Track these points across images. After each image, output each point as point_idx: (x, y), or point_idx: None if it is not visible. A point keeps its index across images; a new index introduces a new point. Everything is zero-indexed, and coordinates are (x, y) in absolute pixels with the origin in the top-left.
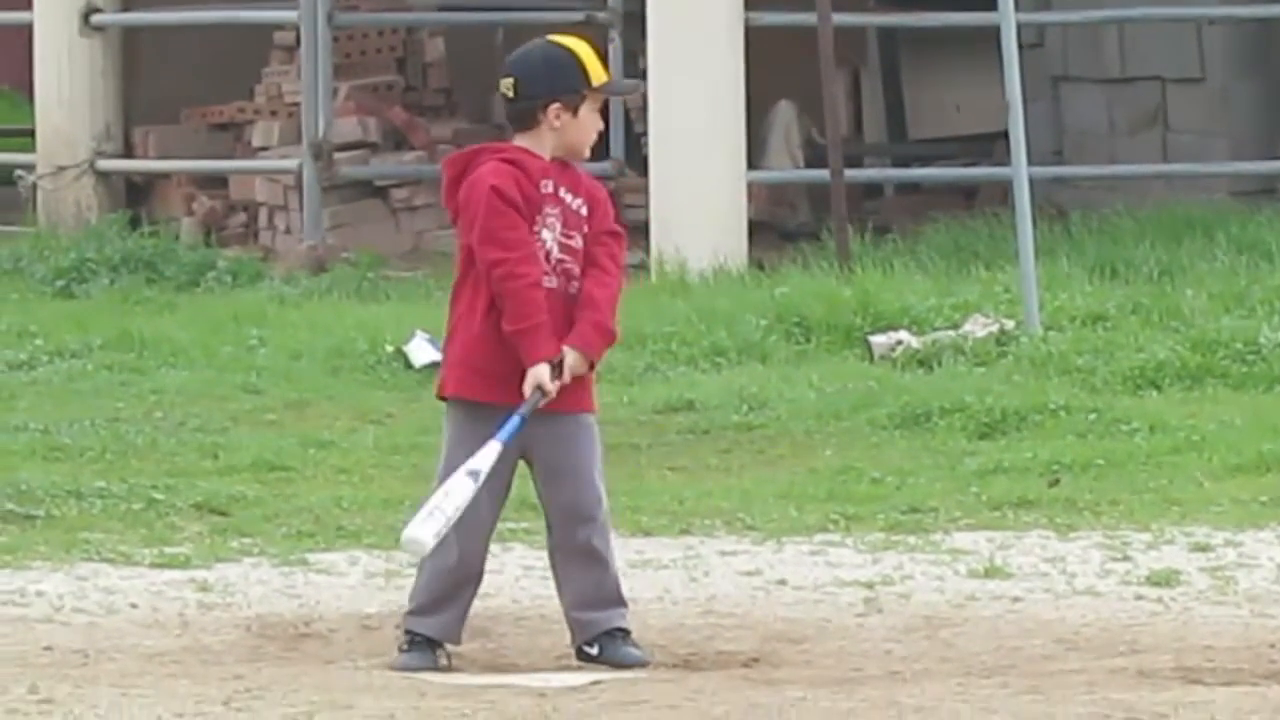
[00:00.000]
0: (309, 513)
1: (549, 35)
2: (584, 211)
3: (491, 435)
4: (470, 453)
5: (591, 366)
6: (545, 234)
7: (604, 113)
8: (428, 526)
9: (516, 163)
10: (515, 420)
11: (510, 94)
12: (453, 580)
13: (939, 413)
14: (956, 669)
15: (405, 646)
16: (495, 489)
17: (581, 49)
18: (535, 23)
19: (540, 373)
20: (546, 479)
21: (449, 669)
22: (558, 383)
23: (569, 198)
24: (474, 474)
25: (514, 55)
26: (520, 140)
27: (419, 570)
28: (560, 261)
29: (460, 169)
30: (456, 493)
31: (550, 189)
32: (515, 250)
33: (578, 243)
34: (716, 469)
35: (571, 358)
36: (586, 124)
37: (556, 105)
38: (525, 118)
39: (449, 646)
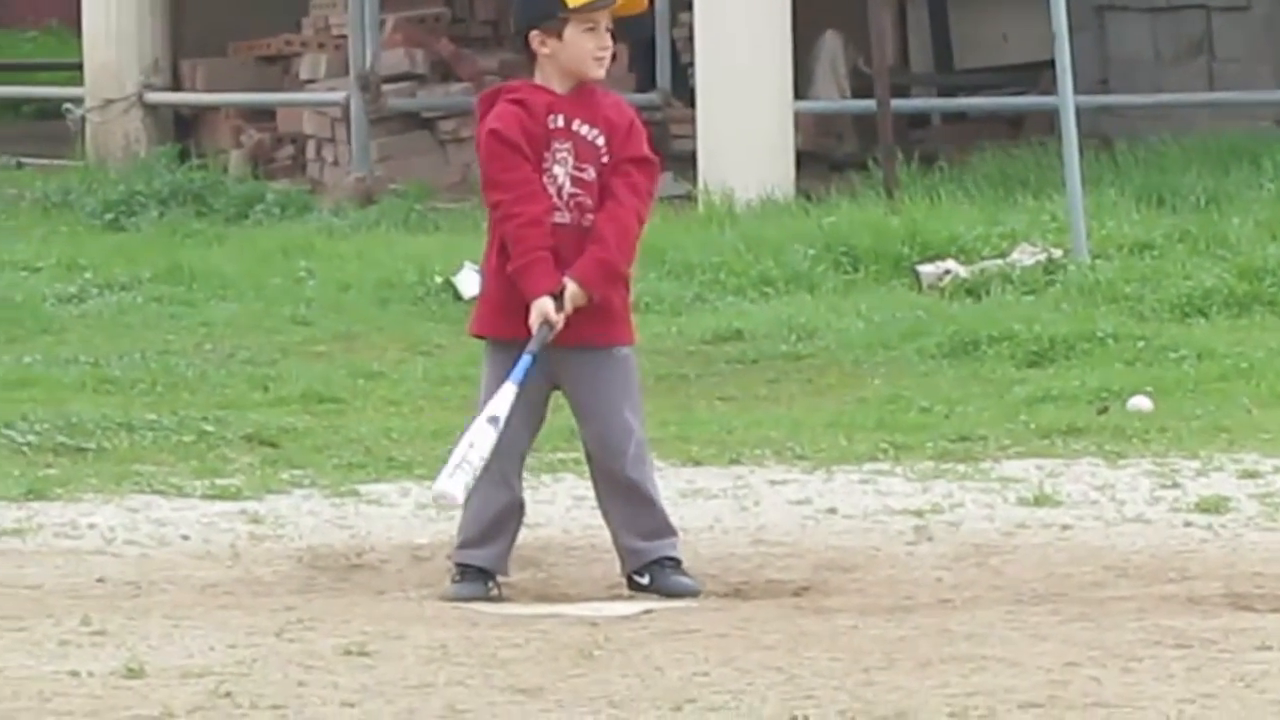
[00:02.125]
0: (359, 444)
1: None
2: (600, 142)
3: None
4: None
5: (595, 299)
6: (557, 169)
7: (618, 34)
8: (457, 479)
9: (522, 101)
10: (526, 359)
11: (513, 28)
12: (495, 511)
13: (987, 341)
14: (1006, 596)
15: (457, 577)
16: (527, 418)
17: None
18: None
19: (543, 305)
20: (576, 413)
21: (500, 599)
22: (562, 315)
23: (584, 129)
24: (494, 420)
25: None
26: (534, 76)
27: (465, 503)
28: (573, 195)
29: (485, 109)
30: (480, 442)
31: (560, 123)
32: (512, 190)
33: (590, 175)
34: (765, 399)
35: (571, 288)
36: (574, 45)
37: (537, 34)
38: (525, 52)
39: (499, 577)
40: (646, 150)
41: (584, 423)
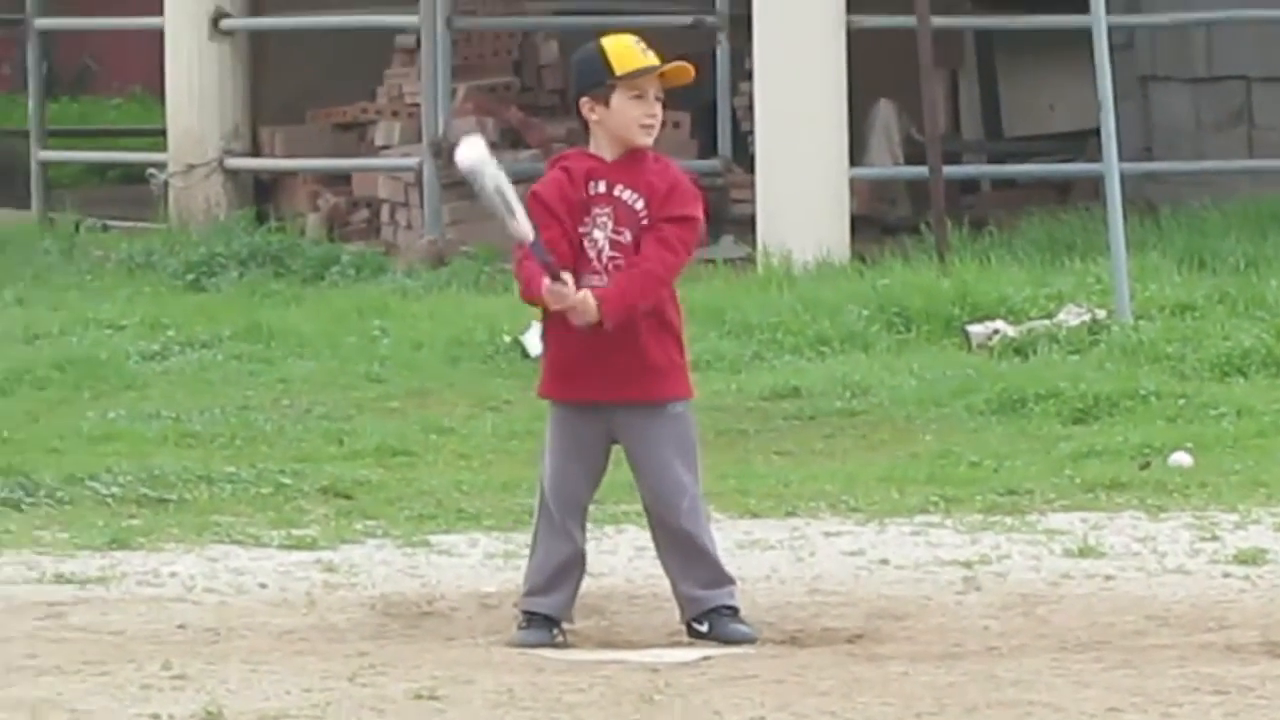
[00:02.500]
0: (430, 496)
1: (600, 37)
2: (639, 205)
3: (576, 431)
4: (559, 450)
5: (596, 319)
6: (596, 233)
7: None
8: (485, 163)
9: (568, 169)
10: (541, 252)
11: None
12: (559, 562)
13: (1034, 399)
14: (1052, 644)
15: (523, 624)
16: (588, 471)
17: (612, 42)
18: (644, 26)
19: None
20: (633, 467)
21: (564, 645)
22: (566, 292)
23: (625, 194)
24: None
25: None
26: (589, 143)
27: (530, 554)
28: (611, 259)
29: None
30: (507, 201)
31: (601, 189)
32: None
33: (627, 238)
34: (821, 453)
35: (585, 293)
36: (621, 113)
37: (587, 100)
38: (579, 119)
39: (564, 624)
40: (686, 209)
41: (640, 477)
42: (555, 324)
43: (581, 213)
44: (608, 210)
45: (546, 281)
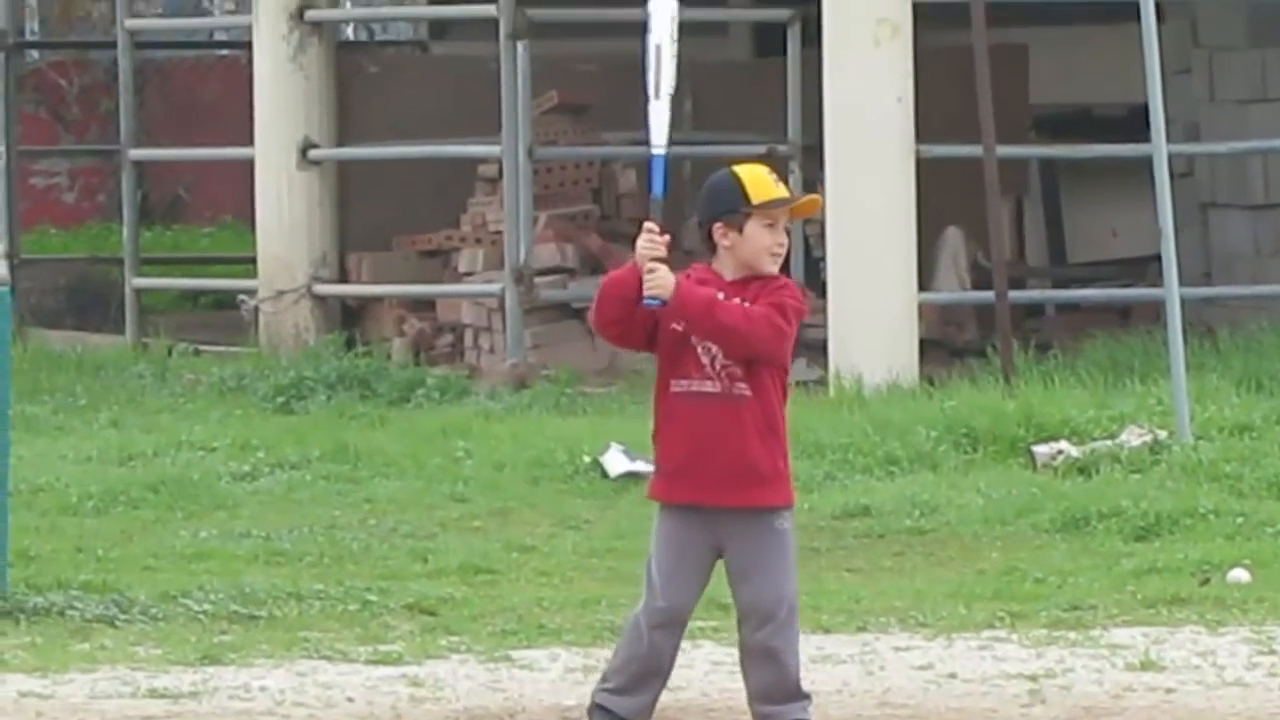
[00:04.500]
0: (512, 612)
1: (732, 165)
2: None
3: (681, 536)
4: (664, 553)
5: (675, 306)
6: (700, 349)
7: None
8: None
9: (700, 281)
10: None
11: (697, 224)
12: (645, 668)
13: (1097, 517)
14: None
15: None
16: (693, 582)
17: (748, 172)
18: (720, 155)
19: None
20: (733, 574)
21: None
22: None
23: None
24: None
25: None
26: (712, 264)
27: (616, 651)
28: (725, 366)
29: None
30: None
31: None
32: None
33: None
34: (890, 570)
35: (663, 271)
36: (754, 240)
37: (720, 225)
38: (705, 242)
39: None
40: (788, 297)
41: (739, 585)
42: (666, 423)
43: None
44: None
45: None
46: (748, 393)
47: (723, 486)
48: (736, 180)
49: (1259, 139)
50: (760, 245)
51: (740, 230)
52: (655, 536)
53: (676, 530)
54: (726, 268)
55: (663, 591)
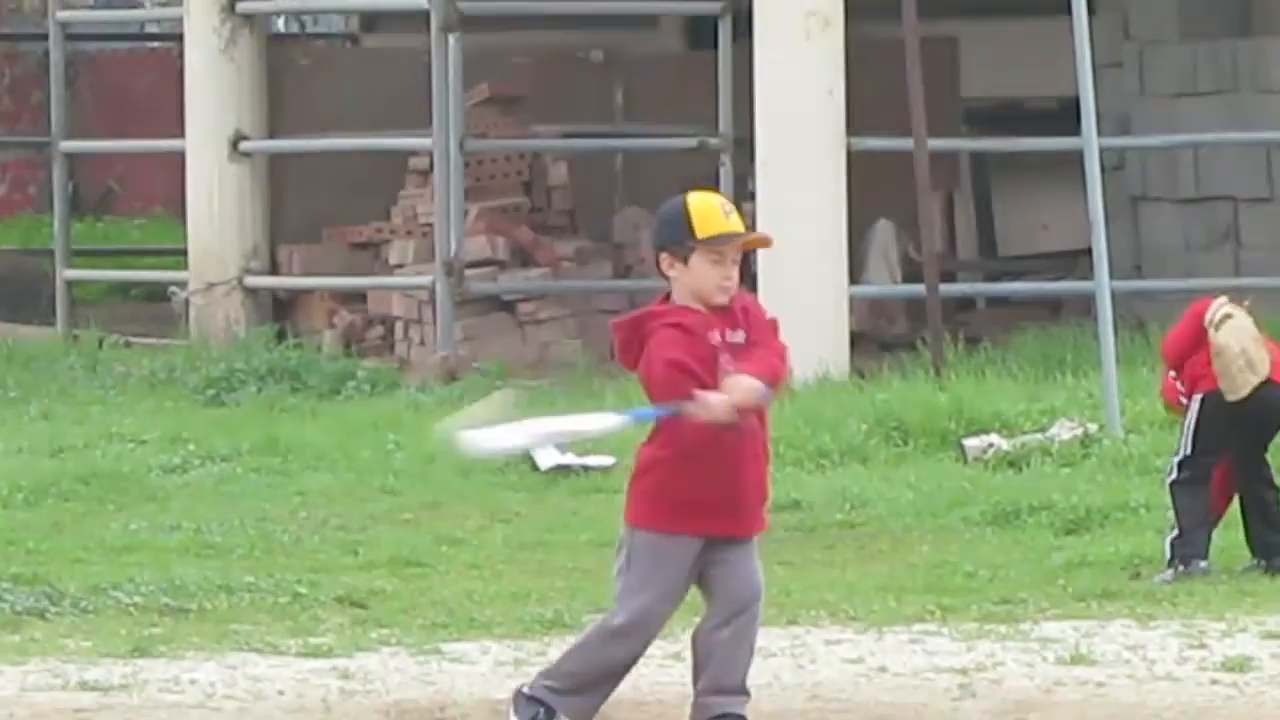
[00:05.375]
0: (443, 605)
1: (686, 192)
2: (741, 339)
3: (679, 566)
4: (657, 586)
5: (767, 394)
6: (724, 378)
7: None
8: (497, 439)
9: (681, 325)
10: (662, 411)
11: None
12: (601, 675)
13: (1028, 510)
14: None
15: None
16: (677, 596)
17: (697, 202)
18: (651, 149)
19: (711, 396)
20: (717, 578)
21: None
22: (729, 404)
23: (735, 336)
24: (561, 437)
25: None
26: (672, 293)
27: (566, 656)
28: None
29: (630, 333)
30: (542, 434)
31: (718, 339)
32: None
33: None
34: (821, 563)
35: (745, 380)
36: (699, 273)
37: (666, 255)
38: (663, 274)
39: None
40: (775, 326)
41: (721, 575)
42: (683, 458)
43: (712, 364)
44: (728, 355)
45: (691, 408)
46: (755, 422)
47: (744, 516)
48: (685, 211)
49: (1189, 132)
50: (707, 279)
51: (685, 262)
52: (642, 559)
53: (676, 557)
54: (686, 298)
55: (653, 613)
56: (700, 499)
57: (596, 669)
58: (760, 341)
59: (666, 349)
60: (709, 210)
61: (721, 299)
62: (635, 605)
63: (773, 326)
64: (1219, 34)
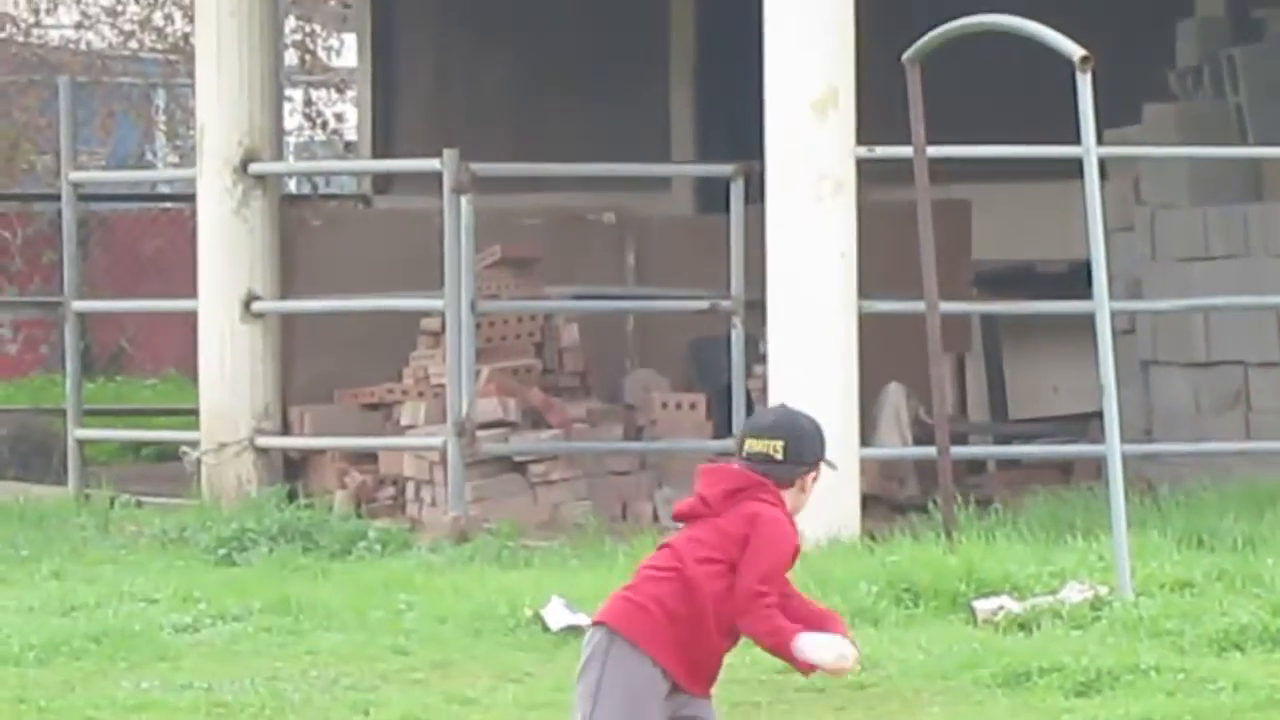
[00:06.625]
0: None
1: (786, 404)
2: None
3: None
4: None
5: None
6: None
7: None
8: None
9: (793, 526)
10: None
11: (779, 456)
12: None
13: (1038, 672)
14: None
15: None
16: None
17: None
18: (664, 311)
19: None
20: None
21: None
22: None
23: None
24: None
25: (775, 418)
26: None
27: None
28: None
29: (741, 485)
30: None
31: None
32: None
33: None
34: None
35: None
36: (805, 497)
37: (814, 473)
38: (783, 480)
39: None
40: None
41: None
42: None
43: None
44: None
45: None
46: None
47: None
48: (823, 432)
49: (1200, 296)
50: (806, 499)
51: (814, 480)
52: (624, 689)
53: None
54: (787, 507)
55: None
56: (694, 665)
57: None
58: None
59: (795, 536)
60: None
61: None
62: None
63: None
64: (1230, 199)
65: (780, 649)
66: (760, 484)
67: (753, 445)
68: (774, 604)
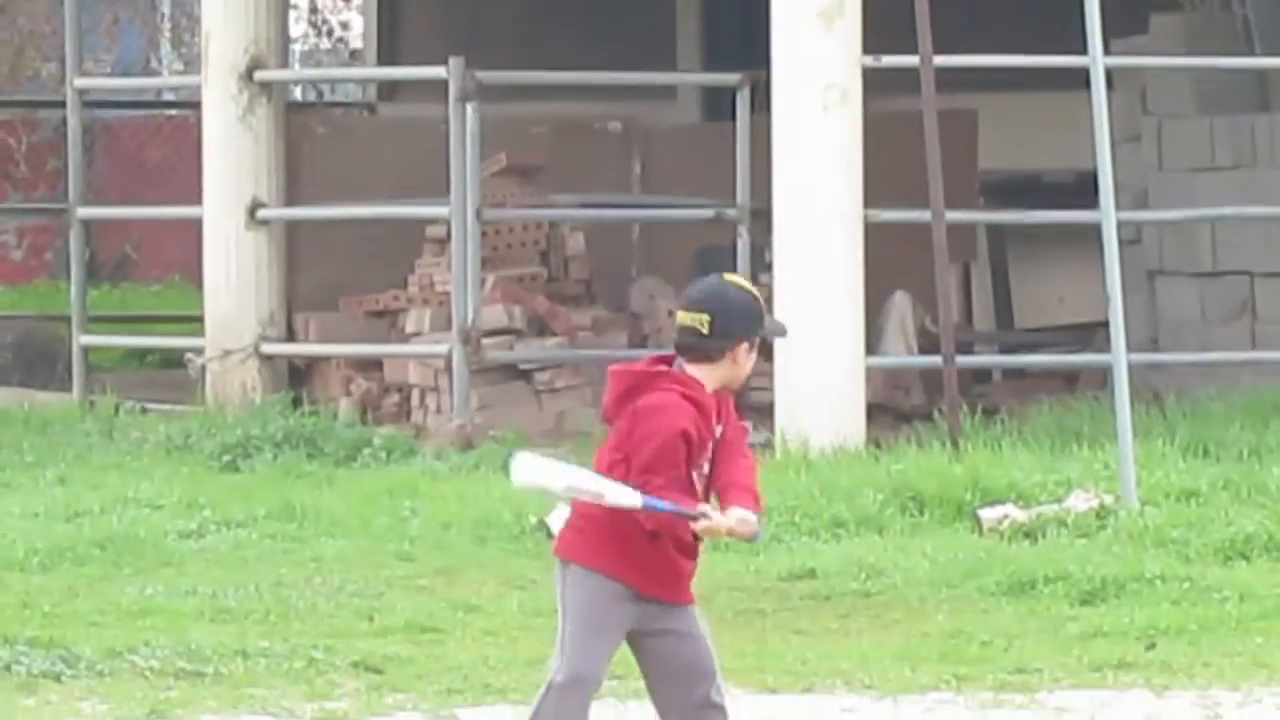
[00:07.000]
0: (458, 671)
1: (726, 276)
2: (720, 433)
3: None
4: (596, 624)
5: (758, 526)
6: (695, 475)
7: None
8: (540, 472)
9: (698, 403)
10: (673, 509)
11: (704, 330)
12: None
13: (1043, 581)
14: None
15: None
16: (612, 651)
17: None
18: (669, 219)
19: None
20: (664, 655)
21: None
22: (731, 530)
23: (719, 430)
24: (589, 495)
25: (703, 292)
26: (692, 370)
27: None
28: (705, 488)
29: (631, 385)
30: (576, 484)
31: (718, 432)
32: (670, 488)
33: (706, 470)
34: (836, 632)
35: (750, 517)
36: (745, 363)
37: (745, 344)
38: (712, 353)
39: None
40: (740, 419)
41: (678, 662)
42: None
43: (703, 453)
44: (710, 448)
45: (696, 525)
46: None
47: (680, 586)
48: (760, 304)
49: (1207, 206)
50: (747, 369)
51: (747, 353)
52: (584, 606)
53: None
54: (713, 381)
55: (595, 669)
56: (649, 566)
57: None
58: (738, 450)
59: (682, 418)
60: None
61: (735, 387)
62: (573, 668)
63: (745, 433)
64: (1237, 110)
65: (661, 524)
66: (654, 376)
67: (682, 318)
68: (661, 486)
